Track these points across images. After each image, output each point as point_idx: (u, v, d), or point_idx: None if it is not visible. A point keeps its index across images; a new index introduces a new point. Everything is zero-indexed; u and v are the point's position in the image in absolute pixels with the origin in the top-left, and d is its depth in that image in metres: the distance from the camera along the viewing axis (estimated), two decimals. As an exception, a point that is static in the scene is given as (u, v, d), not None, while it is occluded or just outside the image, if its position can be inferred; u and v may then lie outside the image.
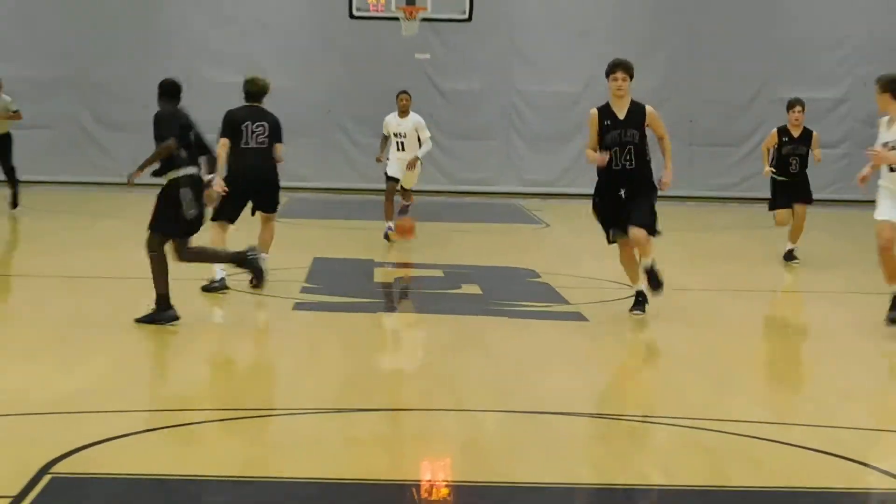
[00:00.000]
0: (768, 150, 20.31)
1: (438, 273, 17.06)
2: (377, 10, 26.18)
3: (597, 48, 30.44)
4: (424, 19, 26.29)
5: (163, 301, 12.61)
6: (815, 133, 20.21)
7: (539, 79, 30.81)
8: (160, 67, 29.91)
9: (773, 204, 19.81)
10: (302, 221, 23.69)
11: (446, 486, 7.96)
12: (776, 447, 8.77)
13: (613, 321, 14.04)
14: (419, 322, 14.12)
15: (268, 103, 15.49)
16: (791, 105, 20.72)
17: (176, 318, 12.59)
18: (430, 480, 8.02)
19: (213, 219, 14.45)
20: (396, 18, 26.18)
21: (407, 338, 13.62)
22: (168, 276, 12.66)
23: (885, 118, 12.14)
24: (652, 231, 13.19)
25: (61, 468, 7.63)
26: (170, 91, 13.66)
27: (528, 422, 9.54)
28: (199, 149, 13.21)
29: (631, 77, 13.65)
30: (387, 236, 19.86)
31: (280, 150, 15.24)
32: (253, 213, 15.35)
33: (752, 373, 11.87)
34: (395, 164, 19.67)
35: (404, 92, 19.92)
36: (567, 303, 15.02)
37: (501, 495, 7.75)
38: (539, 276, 17.15)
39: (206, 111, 21.99)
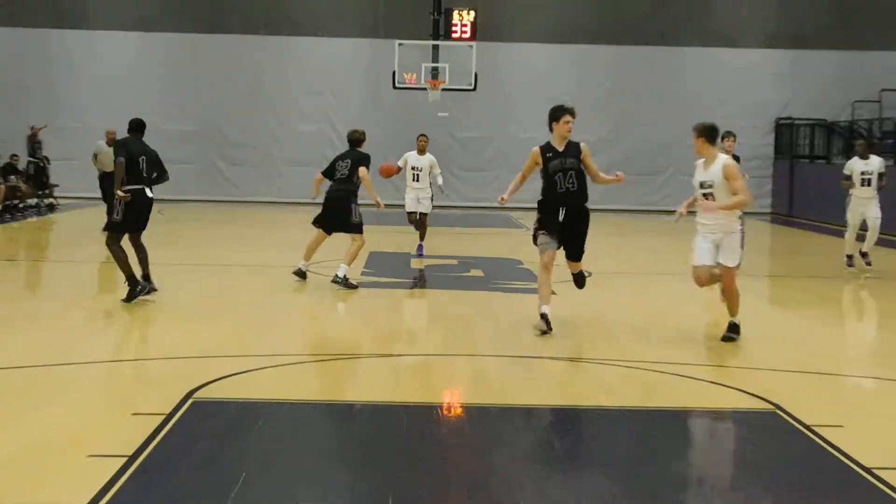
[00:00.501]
0: None
1: (454, 262, 17.05)
2: (412, 83, 26.11)
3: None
4: (444, 89, 26.24)
5: (131, 280, 11.69)
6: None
7: (521, 128, 30.62)
8: (266, 122, 30.20)
9: None
10: (367, 226, 23.70)
11: (461, 406, 8.10)
12: (683, 380, 8.86)
13: (573, 294, 14.04)
14: (441, 295, 14.07)
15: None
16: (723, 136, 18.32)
17: (148, 290, 11.92)
18: (449, 403, 8.15)
19: (314, 223, 13.87)
20: (425, 89, 26.19)
21: (433, 305, 13.49)
22: (128, 261, 11.80)
23: (701, 161, 10.98)
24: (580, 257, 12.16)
25: (200, 394, 7.75)
26: (132, 126, 12.87)
27: (517, 363, 9.62)
28: (151, 171, 12.40)
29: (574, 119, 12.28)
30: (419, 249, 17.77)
31: (362, 171, 13.84)
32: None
33: (678, 330, 11.85)
34: (412, 197, 17.86)
35: (423, 135, 18.36)
36: (541, 282, 14.92)
37: (500, 413, 7.85)
38: (522, 264, 17.03)
39: (295, 151, 21.73)
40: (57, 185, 26.80)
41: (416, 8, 27.84)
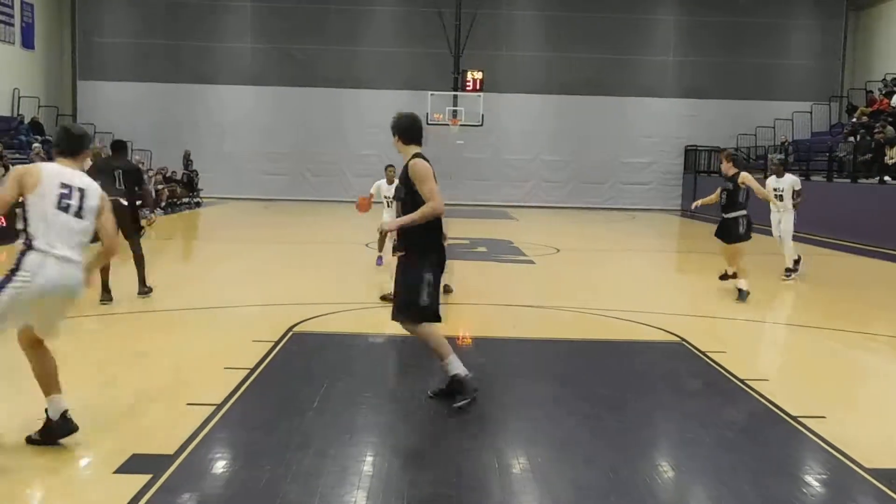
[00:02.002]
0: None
1: (466, 241, 16.99)
2: (439, 120, 26.14)
3: (538, 136, 30.54)
4: (461, 125, 26.29)
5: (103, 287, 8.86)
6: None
7: (510, 152, 30.68)
8: (338, 147, 30.22)
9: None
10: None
11: (471, 338, 8.15)
12: (618, 321, 8.90)
13: (547, 263, 14.08)
14: (457, 264, 13.77)
15: (379, 166, 12.80)
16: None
17: (109, 299, 8.83)
18: (463, 336, 8.20)
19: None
20: (447, 125, 26.20)
21: (457, 270, 13.33)
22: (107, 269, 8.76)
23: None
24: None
25: (298, 329, 7.84)
26: (113, 146, 10.18)
27: (510, 310, 9.68)
28: (129, 185, 9.14)
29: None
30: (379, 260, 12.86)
31: None
32: None
33: (619, 287, 11.88)
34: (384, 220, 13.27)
35: (391, 166, 13.21)
36: (526, 256, 14.92)
37: (500, 342, 7.92)
38: (513, 243, 17.05)
39: (358, 167, 21.58)
40: (202, 189, 27.01)
41: (442, 69, 27.79)
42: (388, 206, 13.22)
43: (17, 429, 4.69)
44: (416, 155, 5.70)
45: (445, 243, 5.98)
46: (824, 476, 4.63)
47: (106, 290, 8.91)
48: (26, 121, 25.46)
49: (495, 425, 5.28)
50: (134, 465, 4.30)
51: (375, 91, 29.97)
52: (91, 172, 8.26)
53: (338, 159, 30.23)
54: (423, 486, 4.21)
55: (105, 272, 8.83)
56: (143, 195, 9.52)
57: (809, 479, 4.56)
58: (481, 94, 26.40)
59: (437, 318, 5.75)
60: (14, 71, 26.19)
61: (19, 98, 26.15)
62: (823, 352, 7.82)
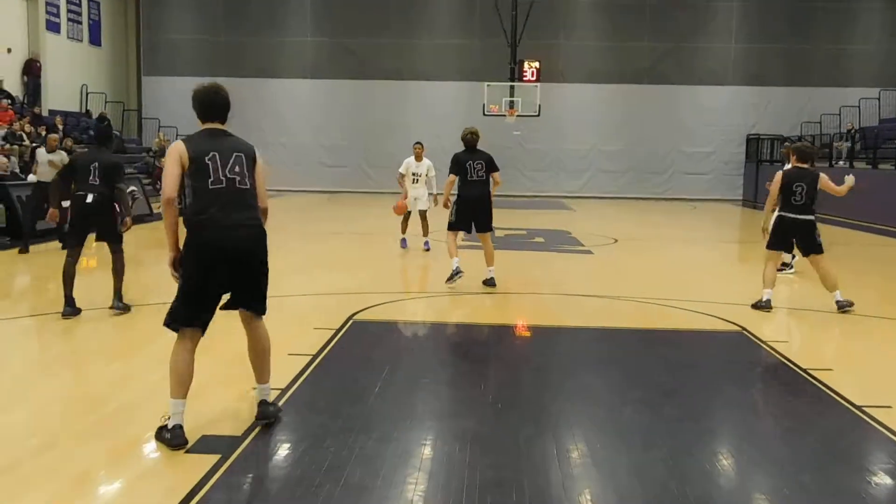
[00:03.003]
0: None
1: (523, 232, 17.01)
2: (496, 112, 26.11)
3: (596, 126, 30.28)
4: (518, 116, 26.20)
5: (66, 299, 7.74)
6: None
7: (569, 142, 30.50)
8: (396, 139, 30.35)
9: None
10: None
11: (527, 328, 8.19)
12: (678, 311, 8.83)
13: (605, 253, 14.00)
14: (515, 254, 13.70)
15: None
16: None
17: (65, 314, 7.63)
18: (518, 325, 8.24)
19: (449, 229, 10.05)
20: (504, 115, 26.14)
21: (512, 261, 13.04)
22: (69, 280, 7.73)
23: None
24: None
25: (358, 317, 7.96)
26: (95, 136, 9.28)
27: (569, 300, 9.68)
28: (104, 181, 7.80)
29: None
30: (402, 242, 13.46)
31: (497, 176, 10.01)
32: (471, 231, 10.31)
33: (678, 276, 11.79)
34: (411, 196, 13.38)
35: (418, 143, 14.01)
36: (584, 246, 14.86)
37: (559, 332, 7.94)
38: (571, 233, 16.97)
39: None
40: None
41: (499, 60, 27.70)
42: (415, 181, 13.49)
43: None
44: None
45: None
46: (890, 465, 4.56)
47: (69, 302, 7.74)
48: (94, 116, 26.19)
49: (555, 412, 5.31)
50: (204, 445, 4.46)
51: (432, 83, 30.08)
52: (67, 167, 8.25)
53: (396, 151, 30.36)
54: (483, 470, 4.27)
55: (69, 282, 7.74)
56: (118, 196, 7.99)
57: (874, 468, 4.49)
58: (538, 84, 26.27)
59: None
60: (82, 67, 26.98)
61: (87, 94, 26.93)
62: (889, 341, 7.66)
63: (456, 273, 9.66)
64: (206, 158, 4.53)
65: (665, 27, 29.84)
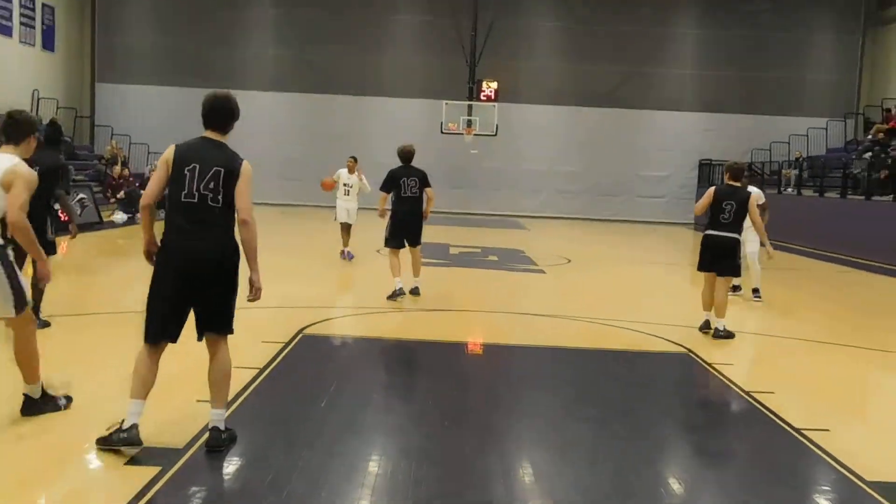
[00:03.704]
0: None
1: (478, 250, 17.09)
2: (454, 130, 26.25)
3: (553, 147, 30.58)
4: (476, 134, 26.35)
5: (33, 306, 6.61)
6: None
7: (525, 162, 30.69)
8: (355, 154, 30.34)
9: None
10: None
11: (477, 345, 8.19)
12: (627, 332, 8.92)
13: (558, 273, 14.11)
14: (469, 272, 13.95)
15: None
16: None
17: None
18: (467, 342, 8.26)
19: (386, 245, 10.37)
20: (462, 134, 26.29)
21: (465, 278, 13.23)
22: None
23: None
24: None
25: (308, 331, 7.92)
26: (45, 138, 7.77)
27: (520, 318, 9.73)
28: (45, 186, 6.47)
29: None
30: (343, 254, 13.84)
31: (430, 192, 10.35)
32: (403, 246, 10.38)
33: (629, 298, 11.89)
34: (343, 208, 13.90)
35: (352, 157, 14.50)
36: (537, 265, 14.93)
37: (508, 350, 7.97)
38: (524, 252, 17.06)
39: (374, 173, 21.24)
40: None
41: (457, 79, 27.87)
42: (346, 193, 13.97)
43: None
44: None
45: None
46: (826, 488, 4.67)
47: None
48: (44, 122, 25.72)
49: (501, 429, 5.33)
50: (145, 457, 4.38)
51: (393, 99, 30.15)
52: None
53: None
54: (428, 485, 4.27)
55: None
56: (59, 202, 7.51)
57: (811, 490, 4.60)
58: (496, 103, 26.49)
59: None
60: (34, 72, 26.49)
61: (38, 99, 26.44)
62: (830, 366, 7.84)
63: (399, 293, 9.86)
64: (186, 169, 4.50)
65: (624, 52, 30.30)
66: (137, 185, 22.08)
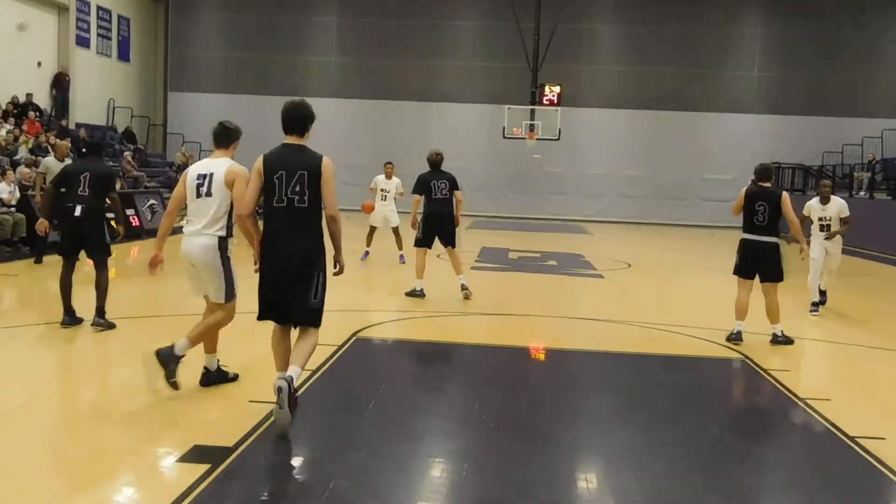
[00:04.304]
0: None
1: (537, 255, 17.08)
2: (517, 134, 26.21)
3: (616, 150, 30.29)
4: (538, 139, 26.28)
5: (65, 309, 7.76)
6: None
7: (588, 166, 30.49)
8: (416, 159, 30.48)
9: None
10: (482, 231, 23.78)
11: (529, 350, 8.20)
12: (683, 337, 8.81)
13: (616, 277, 13.98)
14: (529, 276, 13.98)
15: (458, 178, 11.55)
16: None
17: (64, 323, 7.68)
18: (523, 346, 8.25)
19: (416, 245, 10.53)
20: (524, 138, 26.25)
21: (523, 283, 13.29)
22: (66, 289, 7.74)
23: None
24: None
25: (361, 334, 8.02)
26: (86, 146, 8.18)
27: (575, 323, 9.69)
28: (95, 192, 7.70)
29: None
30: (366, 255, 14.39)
31: (459, 194, 10.56)
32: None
33: (687, 303, 11.73)
34: (380, 213, 14.25)
35: (389, 163, 15.05)
36: (596, 270, 14.85)
37: (559, 356, 7.95)
38: (584, 257, 16.95)
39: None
40: None
41: (521, 83, 27.84)
42: (383, 199, 14.43)
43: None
44: None
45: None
46: (876, 496, 4.55)
47: (68, 311, 7.74)
48: (119, 130, 26.59)
49: (548, 433, 5.33)
50: (195, 455, 4.52)
51: (455, 104, 30.29)
52: (59, 176, 7.92)
53: (416, 171, 30.41)
54: (472, 489, 4.31)
55: (66, 292, 7.70)
56: (111, 206, 7.98)
57: (862, 498, 4.48)
58: (559, 108, 26.38)
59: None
60: (110, 82, 27.43)
61: (114, 108, 27.36)
62: (889, 373, 7.60)
63: (418, 293, 10.27)
64: (275, 177, 5.04)
65: (688, 54, 29.88)
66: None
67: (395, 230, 14.37)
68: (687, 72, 29.96)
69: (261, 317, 5.26)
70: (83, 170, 7.81)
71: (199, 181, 5.65)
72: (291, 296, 5.11)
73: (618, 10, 30.24)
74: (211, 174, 5.64)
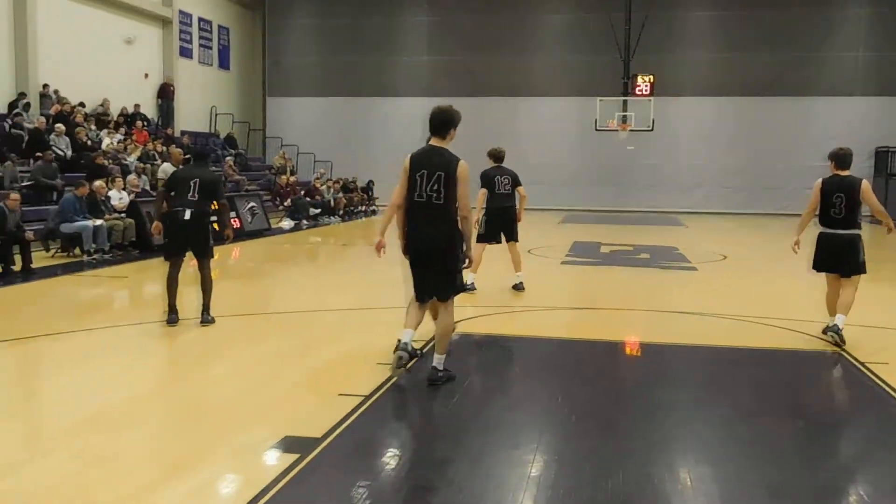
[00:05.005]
0: None
1: (630, 248, 16.91)
2: (609, 127, 25.98)
3: (713, 139, 29.56)
4: (631, 130, 25.99)
5: (168, 308, 8.13)
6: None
7: (685, 157, 29.90)
8: (508, 155, 30.46)
9: None
10: (574, 225, 23.66)
11: (622, 343, 8.16)
12: (777, 330, 8.62)
13: (710, 270, 13.73)
14: (620, 270, 13.84)
15: (549, 173, 11.24)
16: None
17: (170, 321, 8.05)
18: (611, 340, 8.23)
19: (477, 241, 10.07)
20: (617, 130, 25.97)
21: (613, 276, 13.21)
22: (172, 289, 8.10)
23: None
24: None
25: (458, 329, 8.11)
26: (193, 155, 8.89)
27: (665, 316, 9.60)
28: (203, 197, 8.04)
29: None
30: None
31: (521, 190, 10.59)
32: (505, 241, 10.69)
33: (783, 295, 11.45)
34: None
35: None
36: (689, 262, 14.61)
37: (647, 349, 7.89)
38: (678, 249, 16.69)
39: (530, 173, 21.10)
40: (377, 198, 27.54)
41: (611, 74, 27.57)
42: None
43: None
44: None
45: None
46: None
47: (173, 310, 8.11)
48: (221, 136, 27.61)
49: (626, 427, 5.34)
50: (285, 445, 4.75)
51: (544, 98, 30.15)
52: (169, 180, 8.42)
53: (508, 166, 30.50)
54: (546, 479, 4.38)
55: (172, 292, 8.09)
56: (219, 210, 8.52)
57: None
58: (652, 98, 25.97)
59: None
60: (212, 90, 28.53)
61: (216, 115, 28.42)
62: None
63: (470, 287, 9.96)
64: (417, 175, 5.74)
65: (785, 37, 28.89)
66: (303, 192, 23.26)
67: None
68: (785, 56, 28.95)
69: (419, 299, 6.05)
70: (193, 176, 8.12)
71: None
72: (431, 276, 5.89)
73: (710, -4, 29.55)
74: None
